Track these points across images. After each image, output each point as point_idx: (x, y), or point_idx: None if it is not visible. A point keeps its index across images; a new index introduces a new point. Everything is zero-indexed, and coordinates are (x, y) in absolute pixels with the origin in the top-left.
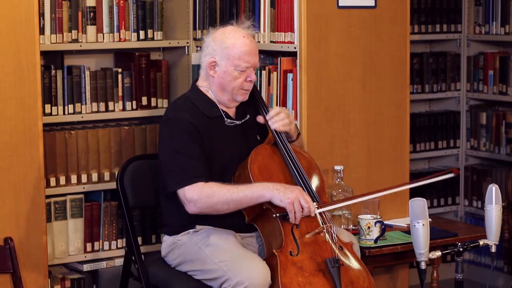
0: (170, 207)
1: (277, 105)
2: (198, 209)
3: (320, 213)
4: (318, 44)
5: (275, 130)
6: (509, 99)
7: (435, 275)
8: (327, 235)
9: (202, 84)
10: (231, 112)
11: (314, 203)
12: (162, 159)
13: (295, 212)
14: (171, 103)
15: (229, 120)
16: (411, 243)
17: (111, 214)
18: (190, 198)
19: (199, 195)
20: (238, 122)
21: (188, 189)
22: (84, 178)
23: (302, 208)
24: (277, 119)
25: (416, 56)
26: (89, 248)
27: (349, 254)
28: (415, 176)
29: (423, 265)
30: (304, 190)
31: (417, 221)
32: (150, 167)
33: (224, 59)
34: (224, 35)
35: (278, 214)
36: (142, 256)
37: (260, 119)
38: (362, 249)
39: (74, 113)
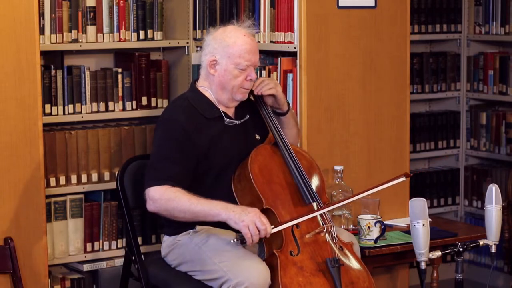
0: None
1: None
2: (155, 209)
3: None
4: (318, 44)
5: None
6: (509, 99)
7: (435, 275)
8: (327, 235)
9: (202, 84)
10: (231, 112)
11: (314, 203)
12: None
13: (251, 235)
14: (170, 102)
15: (228, 119)
16: (411, 243)
17: (111, 214)
18: (152, 197)
19: (160, 196)
20: (237, 122)
21: (153, 189)
22: (84, 178)
23: (259, 231)
24: (261, 86)
25: (416, 56)
26: (89, 248)
27: (349, 254)
28: (415, 176)
29: (423, 265)
30: (305, 190)
31: (417, 221)
32: None
33: (224, 58)
34: (224, 33)
35: (235, 239)
36: (142, 256)
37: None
38: (362, 249)
39: (74, 113)
